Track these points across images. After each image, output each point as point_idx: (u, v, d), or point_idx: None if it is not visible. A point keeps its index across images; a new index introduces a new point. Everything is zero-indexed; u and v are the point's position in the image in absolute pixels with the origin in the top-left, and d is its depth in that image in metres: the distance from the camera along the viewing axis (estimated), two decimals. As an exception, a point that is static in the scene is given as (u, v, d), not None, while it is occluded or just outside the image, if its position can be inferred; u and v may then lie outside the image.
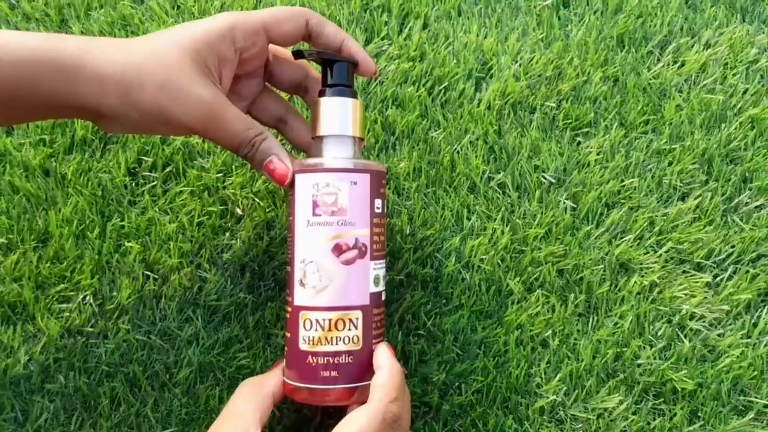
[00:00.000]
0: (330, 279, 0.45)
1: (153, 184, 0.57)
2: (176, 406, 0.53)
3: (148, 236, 0.55)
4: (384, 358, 0.45)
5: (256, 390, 0.46)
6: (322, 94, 0.48)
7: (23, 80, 0.40)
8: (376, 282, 0.47)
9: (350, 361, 0.45)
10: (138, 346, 0.53)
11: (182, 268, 0.55)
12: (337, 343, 0.45)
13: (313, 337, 0.45)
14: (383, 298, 0.48)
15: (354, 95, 0.48)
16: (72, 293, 0.54)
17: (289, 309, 0.47)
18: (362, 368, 0.45)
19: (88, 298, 0.54)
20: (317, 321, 0.45)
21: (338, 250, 0.45)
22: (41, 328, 0.53)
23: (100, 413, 0.52)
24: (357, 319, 0.45)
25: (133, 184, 0.57)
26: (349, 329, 0.45)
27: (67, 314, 0.54)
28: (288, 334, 0.47)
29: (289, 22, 0.46)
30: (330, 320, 0.45)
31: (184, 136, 0.57)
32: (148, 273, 0.55)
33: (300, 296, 0.46)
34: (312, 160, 0.47)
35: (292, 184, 0.46)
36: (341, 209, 0.45)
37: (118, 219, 0.55)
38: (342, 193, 0.45)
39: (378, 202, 0.47)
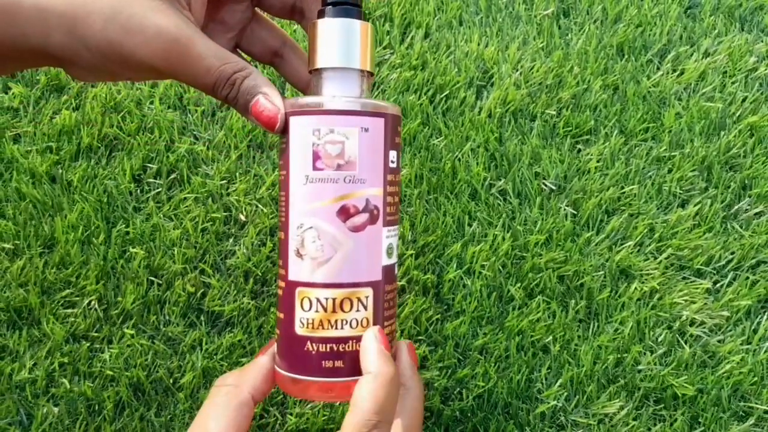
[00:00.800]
0: (334, 249, 0.37)
1: (158, 190, 0.57)
2: (180, 411, 0.53)
3: (153, 242, 0.56)
4: (372, 359, 0.36)
5: (231, 400, 0.39)
6: (321, 14, 0.38)
7: None
8: (389, 252, 0.38)
9: (358, 348, 0.37)
10: (142, 350, 0.54)
11: (186, 274, 0.56)
12: (342, 327, 0.37)
13: (313, 320, 0.37)
14: (396, 272, 0.40)
15: (361, 16, 0.38)
16: (77, 298, 0.55)
17: (282, 284, 0.38)
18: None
19: (93, 303, 0.54)
20: (318, 300, 0.37)
21: (345, 213, 0.37)
22: (47, 333, 0.54)
23: (105, 417, 0.52)
24: (367, 297, 0.37)
25: (138, 191, 0.57)
26: (357, 310, 0.37)
27: (72, 319, 0.54)
28: (281, 315, 0.38)
29: None
30: (334, 299, 0.37)
31: (153, 81, 0.50)
32: (153, 278, 0.55)
33: (296, 269, 0.37)
34: (310, 99, 0.37)
35: (285, 129, 0.37)
36: (349, 162, 0.36)
37: (123, 225, 0.56)
38: (350, 142, 0.36)
39: (393, 154, 0.38)
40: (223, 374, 0.42)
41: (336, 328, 0.37)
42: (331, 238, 0.37)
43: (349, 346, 0.37)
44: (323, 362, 0.37)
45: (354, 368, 0.37)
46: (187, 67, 0.36)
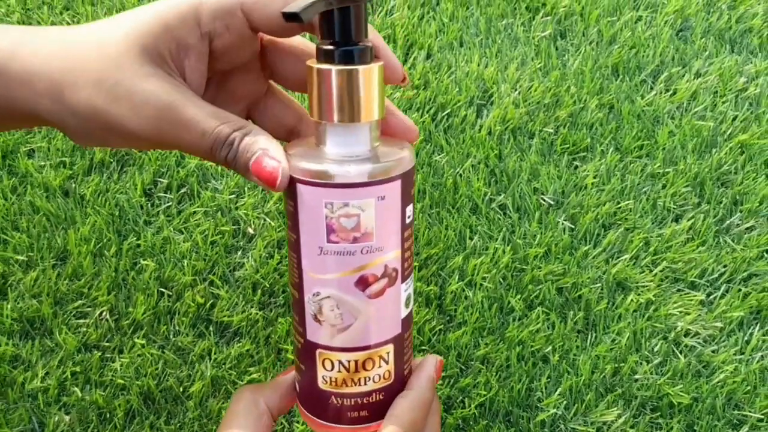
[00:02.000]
0: (354, 317, 0.36)
1: (168, 204, 0.59)
2: (189, 419, 0.54)
3: (163, 254, 0.57)
4: (422, 382, 0.39)
5: (251, 410, 0.38)
6: (320, 56, 0.33)
7: None
8: (407, 303, 0.38)
9: (382, 398, 0.38)
10: (152, 360, 0.55)
11: (195, 285, 0.57)
12: (366, 384, 0.37)
13: (336, 379, 0.37)
14: (412, 313, 0.39)
15: (367, 56, 0.33)
16: (89, 309, 0.56)
17: (301, 340, 0.38)
18: (396, 396, 0.39)
19: (104, 313, 0.56)
20: (340, 362, 0.37)
21: (363, 283, 0.35)
22: (59, 343, 0.55)
23: (115, 425, 0.54)
24: (388, 353, 0.37)
25: (149, 205, 0.59)
26: (380, 366, 0.37)
27: (84, 329, 0.55)
28: (301, 366, 0.38)
29: (277, 3, 0.34)
30: (356, 361, 0.37)
31: (159, 150, 0.50)
32: (163, 290, 0.57)
33: (315, 332, 0.37)
34: (318, 166, 0.34)
35: (293, 195, 0.34)
36: (365, 234, 0.34)
37: (134, 238, 0.58)
38: (366, 214, 0.34)
39: (409, 209, 0.36)
40: (242, 387, 0.42)
41: (359, 385, 0.37)
42: (350, 306, 0.36)
43: (373, 398, 0.38)
44: (349, 413, 0.38)
45: (380, 413, 0.38)
46: (180, 133, 0.33)
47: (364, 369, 0.37)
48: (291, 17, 0.30)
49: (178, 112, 0.33)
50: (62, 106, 0.33)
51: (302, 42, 0.38)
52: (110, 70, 0.32)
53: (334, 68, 0.33)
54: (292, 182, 0.34)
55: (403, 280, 0.37)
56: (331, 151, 0.34)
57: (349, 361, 0.36)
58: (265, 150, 0.33)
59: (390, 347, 0.37)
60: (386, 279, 0.35)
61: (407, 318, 0.38)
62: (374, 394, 0.37)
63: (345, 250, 0.34)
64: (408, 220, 0.36)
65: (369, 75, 0.33)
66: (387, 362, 0.37)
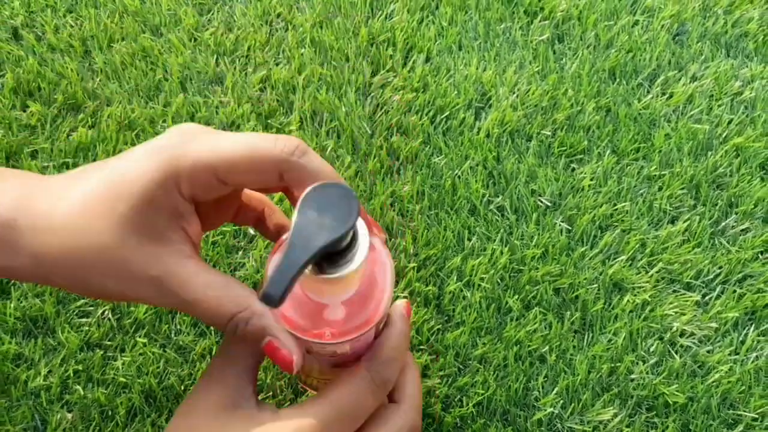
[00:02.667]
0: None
1: (170, 205, 0.59)
2: (190, 417, 0.55)
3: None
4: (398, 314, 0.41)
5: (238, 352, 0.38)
6: (316, 267, 0.33)
7: None
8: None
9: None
10: (154, 359, 0.56)
11: (197, 285, 0.58)
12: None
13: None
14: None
15: (357, 261, 0.33)
16: (91, 308, 0.57)
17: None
18: None
19: (106, 313, 0.56)
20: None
21: (336, 364, 0.42)
22: (61, 341, 0.56)
23: (117, 423, 0.54)
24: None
25: (151, 205, 0.60)
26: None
27: (87, 328, 0.56)
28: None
29: (247, 170, 0.35)
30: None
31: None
32: (164, 289, 0.57)
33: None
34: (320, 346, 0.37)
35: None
36: (343, 354, 0.39)
37: (136, 238, 0.58)
38: (344, 346, 0.38)
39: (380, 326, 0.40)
40: None
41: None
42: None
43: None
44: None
45: None
46: (184, 309, 0.36)
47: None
48: (269, 302, 0.30)
49: (179, 293, 0.35)
50: (70, 284, 0.35)
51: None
52: (109, 257, 0.34)
53: (323, 276, 0.33)
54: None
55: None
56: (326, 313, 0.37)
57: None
58: (275, 338, 0.36)
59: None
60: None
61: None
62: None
63: (319, 354, 0.40)
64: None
65: (359, 274, 0.34)
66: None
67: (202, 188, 0.35)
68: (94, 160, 0.60)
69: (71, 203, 0.34)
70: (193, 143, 0.35)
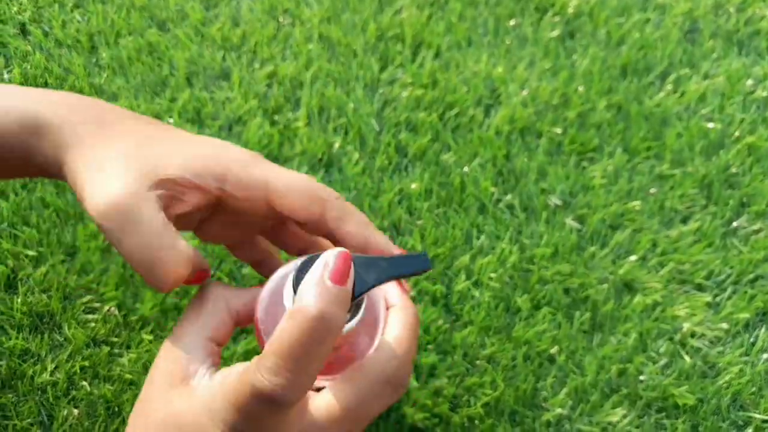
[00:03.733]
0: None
1: (177, 201, 0.59)
2: (196, 415, 0.54)
3: (172, 251, 0.58)
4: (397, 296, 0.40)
5: (217, 306, 0.39)
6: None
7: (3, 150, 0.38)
8: None
9: None
10: (160, 356, 0.55)
11: (203, 282, 0.57)
12: None
13: None
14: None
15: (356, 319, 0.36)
16: (97, 304, 0.56)
17: None
18: None
19: (112, 309, 0.56)
20: None
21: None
22: (68, 337, 0.55)
23: (123, 419, 0.54)
24: None
25: (158, 201, 0.59)
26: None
27: (93, 324, 0.56)
28: None
29: (302, 199, 0.39)
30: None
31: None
32: (171, 286, 0.57)
33: None
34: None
35: None
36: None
37: (143, 234, 0.58)
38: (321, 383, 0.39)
39: None
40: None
41: None
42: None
43: None
44: None
45: None
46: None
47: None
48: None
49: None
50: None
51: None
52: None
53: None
54: None
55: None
56: None
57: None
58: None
59: None
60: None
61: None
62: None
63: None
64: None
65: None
66: None
67: (249, 200, 0.39)
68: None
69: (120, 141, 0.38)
70: (259, 163, 0.39)
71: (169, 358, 0.37)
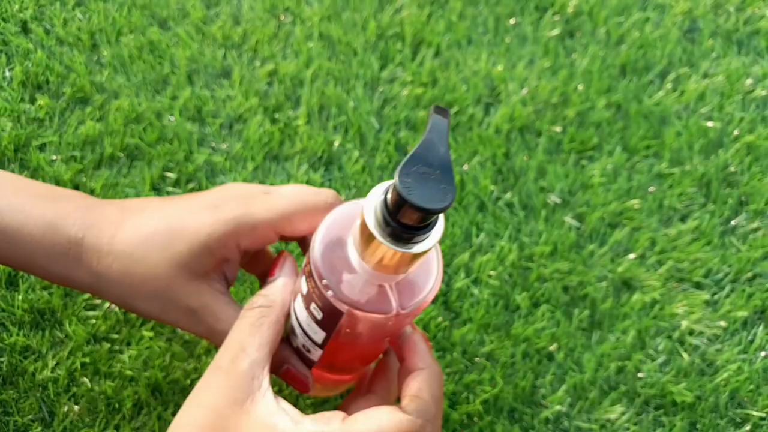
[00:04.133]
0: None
1: (177, 198, 0.59)
2: (196, 411, 0.55)
3: (172, 248, 0.58)
4: (424, 356, 0.39)
5: (266, 318, 0.39)
6: (386, 233, 0.31)
7: (20, 258, 0.40)
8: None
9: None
10: (160, 352, 0.56)
11: (204, 279, 0.57)
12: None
13: None
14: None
15: (435, 237, 0.32)
16: (98, 301, 0.57)
17: None
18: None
19: (113, 306, 0.56)
20: None
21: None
22: (69, 334, 0.56)
23: (124, 416, 0.54)
24: None
25: (159, 199, 0.60)
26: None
27: (94, 321, 0.56)
28: None
29: (303, 219, 0.40)
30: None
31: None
32: (171, 283, 0.57)
33: None
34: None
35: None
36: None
37: (144, 231, 0.58)
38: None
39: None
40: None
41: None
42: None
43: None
44: None
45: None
46: (214, 338, 0.41)
47: None
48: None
49: (213, 324, 0.40)
50: (127, 305, 0.41)
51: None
52: (160, 288, 0.40)
53: (399, 249, 0.31)
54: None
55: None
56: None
57: None
58: (292, 365, 0.41)
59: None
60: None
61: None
62: None
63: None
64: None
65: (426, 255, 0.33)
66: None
67: (261, 242, 0.41)
68: (102, 153, 0.60)
69: (132, 234, 0.40)
70: (251, 208, 0.40)
71: (228, 373, 0.37)
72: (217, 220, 0.39)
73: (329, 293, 0.35)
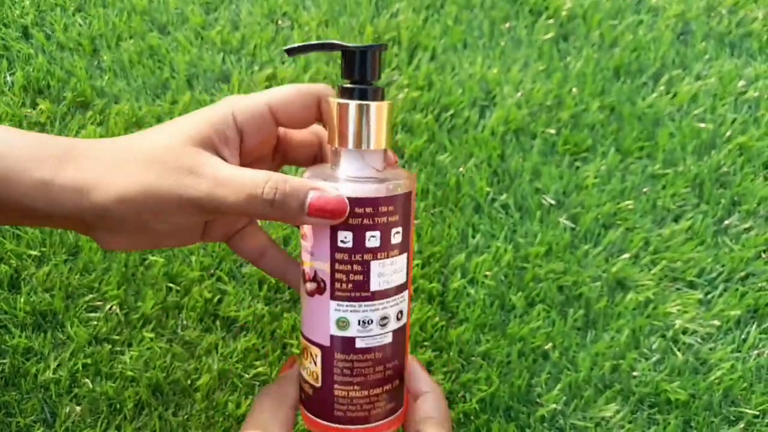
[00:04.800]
0: (303, 305, 0.42)
1: (177, 201, 0.60)
2: (196, 411, 0.55)
3: (171, 250, 0.59)
4: (425, 380, 0.43)
5: (277, 403, 0.42)
6: (340, 93, 0.40)
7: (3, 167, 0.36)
8: (342, 326, 0.40)
9: (311, 394, 0.42)
10: (161, 353, 0.56)
11: (203, 281, 0.58)
12: (303, 371, 0.43)
13: (299, 357, 0.44)
14: (364, 346, 0.41)
15: (379, 95, 0.40)
16: (99, 303, 0.57)
17: None
18: (322, 405, 0.42)
19: (114, 307, 0.57)
20: (301, 342, 0.44)
21: (303, 277, 0.42)
22: (70, 336, 0.56)
23: (125, 416, 0.55)
24: (316, 356, 0.41)
25: (158, 202, 0.60)
26: (310, 363, 0.42)
27: (95, 323, 0.57)
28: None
29: (297, 102, 0.41)
30: (302, 347, 0.43)
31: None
32: (171, 285, 0.58)
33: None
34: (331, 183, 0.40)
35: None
36: (305, 235, 0.41)
37: (144, 234, 0.59)
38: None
39: (344, 235, 0.39)
40: (262, 389, 0.45)
41: (303, 370, 0.43)
42: (302, 296, 0.42)
43: (307, 388, 0.43)
44: (300, 392, 0.44)
45: (310, 408, 0.43)
46: (217, 190, 0.37)
47: (303, 357, 0.42)
48: (290, 51, 0.41)
49: (214, 173, 0.38)
50: (110, 195, 0.37)
51: (311, 129, 0.45)
52: (159, 154, 0.38)
53: (353, 102, 0.39)
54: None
55: (334, 297, 0.40)
56: (342, 173, 0.40)
57: (301, 344, 0.43)
58: (316, 188, 0.38)
59: (318, 351, 0.41)
60: (315, 284, 0.40)
61: (343, 341, 0.40)
62: (307, 385, 0.43)
63: (303, 247, 0.41)
64: (342, 245, 0.39)
65: (381, 110, 0.39)
66: (315, 364, 0.41)
67: (258, 123, 0.41)
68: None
69: (128, 136, 0.40)
70: (251, 95, 0.41)
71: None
72: (214, 106, 0.41)
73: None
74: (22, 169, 0.36)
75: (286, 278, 0.46)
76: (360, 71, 0.39)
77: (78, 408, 0.55)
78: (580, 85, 0.66)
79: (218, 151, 0.39)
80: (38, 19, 0.65)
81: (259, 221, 0.48)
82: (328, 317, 0.40)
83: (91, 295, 0.57)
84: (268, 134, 0.42)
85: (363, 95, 0.39)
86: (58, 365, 0.56)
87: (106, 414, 0.55)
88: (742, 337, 0.59)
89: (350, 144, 0.39)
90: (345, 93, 0.40)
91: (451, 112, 0.64)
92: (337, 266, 0.39)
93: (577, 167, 0.64)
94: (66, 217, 0.37)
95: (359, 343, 0.41)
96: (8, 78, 0.63)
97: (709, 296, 0.60)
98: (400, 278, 0.41)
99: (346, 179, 0.39)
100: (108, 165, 0.37)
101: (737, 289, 0.60)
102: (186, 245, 0.53)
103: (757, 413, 0.57)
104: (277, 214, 0.38)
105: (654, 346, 0.58)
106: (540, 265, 0.60)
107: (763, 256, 0.62)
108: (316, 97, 0.41)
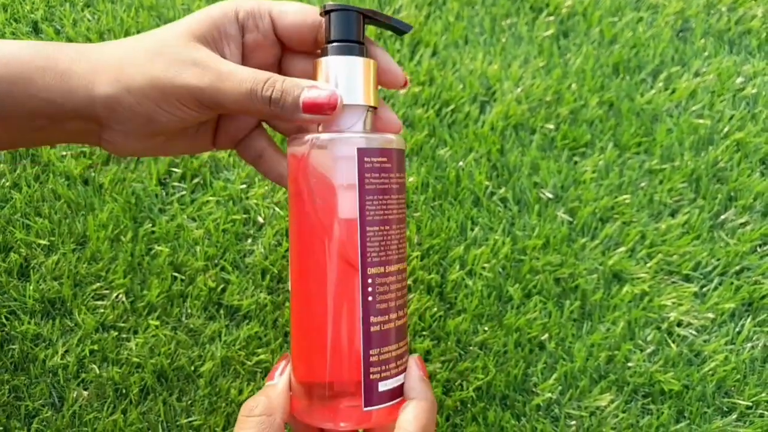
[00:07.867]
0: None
1: (182, 193, 0.62)
2: (200, 396, 0.57)
3: (177, 240, 0.60)
4: (415, 385, 0.41)
5: (266, 429, 0.39)
6: (324, 52, 0.41)
7: (16, 80, 0.38)
8: None
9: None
10: (165, 340, 0.58)
11: (207, 270, 0.60)
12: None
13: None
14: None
15: (363, 53, 0.41)
16: (106, 291, 0.59)
17: None
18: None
19: (120, 296, 0.59)
20: None
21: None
22: (78, 323, 0.58)
23: (131, 401, 0.56)
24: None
25: (164, 193, 0.62)
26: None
27: (102, 310, 0.58)
28: None
29: (299, 14, 0.42)
30: None
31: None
32: (176, 274, 0.59)
33: None
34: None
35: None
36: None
37: (150, 224, 0.60)
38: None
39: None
40: (246, 402, 0.41)
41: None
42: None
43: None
44: None
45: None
46: (221, 84, 0.38)
47: None
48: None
49: (216, 67, 0.39)
50: (120, 84, 0.38)
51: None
52: (164, 47, 0.39)
53: (340, 57, 0.40)
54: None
55: None
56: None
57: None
58: (311, 86, 0.39)
59: None
60: None
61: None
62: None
63: None
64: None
65: (367, 66, 0.41)
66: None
67: (254, 20, 0.42)
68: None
69: (141, 35, 0.41)
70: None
71: None
72: (219, 2, 0.42)
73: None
74: (52, 65, 0.38)
75: (282, 183, 0.46)
76: (342, 30, 0.41)
77: (85, 393, 0.56)
78: (579, 81, 0.67)
79: (219, 46, 0.41)
80: (48, 14, 0.67)
81: (264, 125, 0.48)
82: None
83: (98, 284, 0.59)
84: (267, 39, 0.42)
85: (350, 51, 0.40)
86: (66, 351, 0.57)
87: (113, 399, 0.56)
88: (737, 329, 0.60)
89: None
90: (332, 50, 0.41)
91: (452, 107, 0.65)
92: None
93: (576, 162, 0.65)
94: (78, 111, 0.39)
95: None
96: (19, 72, 0.65)
97: (704, 289, 0.61)
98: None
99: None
100: (117, 58, 0.39)
101: (732, 283, 0.61)
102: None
103: (750, 404, 0.58)
104: (274, 110, 0.39)
105: (649, 338, 0.59)
106: (537, 258, 0.61)
107: (759, 250, 0.62)
108: (317, 15, 0.42)
